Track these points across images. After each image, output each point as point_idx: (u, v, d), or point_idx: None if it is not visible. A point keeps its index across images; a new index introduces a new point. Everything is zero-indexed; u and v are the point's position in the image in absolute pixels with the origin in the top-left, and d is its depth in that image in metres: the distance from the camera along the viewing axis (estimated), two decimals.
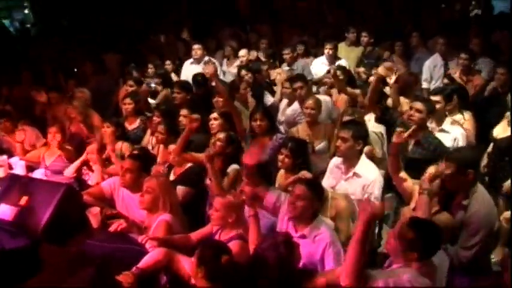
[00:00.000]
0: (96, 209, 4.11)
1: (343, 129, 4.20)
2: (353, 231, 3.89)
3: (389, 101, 5.50)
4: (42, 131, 6.18)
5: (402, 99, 5.64)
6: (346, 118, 4.95)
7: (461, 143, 4.80)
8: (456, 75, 6.34)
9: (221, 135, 4.65)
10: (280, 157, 4.26)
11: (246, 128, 5.24)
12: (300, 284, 3.07)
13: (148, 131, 5.64)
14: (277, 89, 6.73)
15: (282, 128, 5.91)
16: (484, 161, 4.89)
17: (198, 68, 7.33)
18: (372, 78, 6.05)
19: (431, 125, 4.77)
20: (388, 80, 5.23)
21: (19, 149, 5.48)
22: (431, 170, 3.65)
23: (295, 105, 5.85)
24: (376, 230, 4.30)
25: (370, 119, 5.19)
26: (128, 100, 5.98)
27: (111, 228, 3.89)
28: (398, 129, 3.86)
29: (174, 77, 7.67)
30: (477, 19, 9.79)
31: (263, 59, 8.18)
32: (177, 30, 9.61)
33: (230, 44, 8.58)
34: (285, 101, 6.29)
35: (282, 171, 4.40)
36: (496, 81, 5.95)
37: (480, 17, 9.98)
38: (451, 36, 7.63)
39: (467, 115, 5.24)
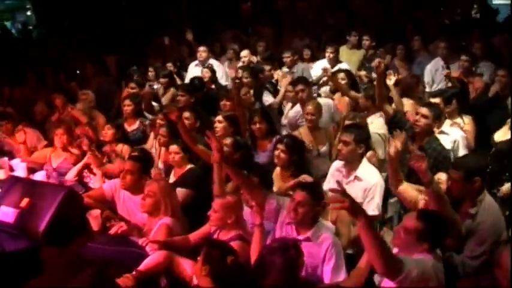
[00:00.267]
0: (96, 212, 4.10)
1: (345, 132, 4.19)
2: (354, 235, 3.93)
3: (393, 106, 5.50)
4: (42, 133, 6.22)
5: (405, 100, 5.70)
6: (347, 122, 4.94)
7: (461, 145, 4.81)
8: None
9: (228, 141, 4.62)
10: (276, 152, 4.30)
11: None
12: None
13: (152, 134, 5.64)
14: (281, 90, 6.72)
15: (285, 131, 5.88)
16: None
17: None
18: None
19: None
20: (387, 81, 5.24)
21: (23, 150, 5.48)
22: (440, 176, 3.64)
23: (297, 107, 5.86)
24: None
25: (372, 121, 5.19)
26: (127, 102, 6.00)
27: (112, 231, 3.89)
28: (395, 143, 3.74)
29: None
30: (478, 22, 9.78)
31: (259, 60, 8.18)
32: (180, 32, 9.60)
33: (232, 47, 8.60)
34: (289, 105, 6.29)
35: (277, 170, 4.41)
36: (496, 83, 5.96)
37: (481, 20, 9.96)
38: (453, 40, 7.65)
39: (467, 119, 5.23)
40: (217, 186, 4.19)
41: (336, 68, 7.28)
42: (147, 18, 11.42)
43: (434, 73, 7.09)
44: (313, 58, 8.09)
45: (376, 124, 5.12)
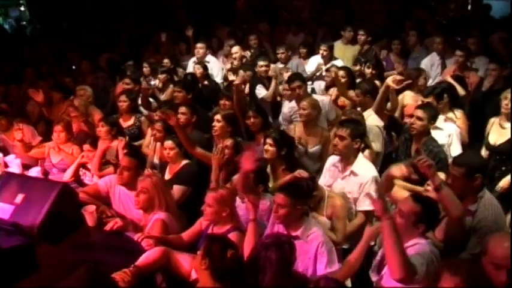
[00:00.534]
0: (91, 207, 4.09)
1: (341, 127, 4.19)
2: (350, 230, 3.94)
3: (388, 105, 5.51)
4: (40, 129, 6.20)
5: (407, 92, 5.76)
6: (343, 118, 4.94)
7: (455, 139, 4.84)
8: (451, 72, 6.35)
9: (228, 142, 4.63)
10: (265, 147, 4.34)
11: None
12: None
13: (149, 131, 5.62)
14: (272, 83, 6.69)
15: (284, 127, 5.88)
16: None
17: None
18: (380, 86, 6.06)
19: None
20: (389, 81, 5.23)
21: (20, 147, 5.45)
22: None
23: (292, 103, 5.86)
24: None
25: (370, 114, 5.20)
26: (123, 97, 5.98)
27: (107, 227, 3.88)
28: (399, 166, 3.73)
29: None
30: (473, 18, 9.80)
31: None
32: (177, 28, 9.57)
33: (229, 43, 8.58)
34: (287, 103, 6.27)
35: (269, 166, 4.42)
36: (488, 77, 6.02)
37: (476, 16, 9.99)
38: (448, 35, 7.66)
39: (459, 113, 5.29)
40: (214, 183, 4.21)
41: (329, 65, 7.29)
42: (144, 14, 11.38)
43: (430, 68, 7.09)
44: (309, 55, 8.08)
45: (373, 117, 5.13)
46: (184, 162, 4.74)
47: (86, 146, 5.09)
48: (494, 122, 4.94)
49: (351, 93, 6.00)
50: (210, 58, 7.90)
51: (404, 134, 4.69)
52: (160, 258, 3.38)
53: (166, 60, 7.73)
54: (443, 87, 5.39)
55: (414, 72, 6.27)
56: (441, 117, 4.98)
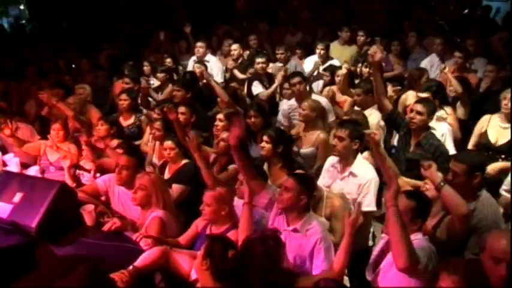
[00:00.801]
0: (90, 207, 4.08)
1: (340, 128, 4.20)
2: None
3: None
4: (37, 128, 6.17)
5: (410, 92, 5.79)
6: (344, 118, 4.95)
7: (448, 138, 4.88)
8: (449, 72, 6.37)
9: (224, 135, 4.66)
10: (261, 144, 4.36)
11: None
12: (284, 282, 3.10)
13: (148, 129, 5.62)
14: (274, 85, 6.70)
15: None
16: None
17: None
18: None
19: None
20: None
21: (14, 142, 5.40)
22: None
23: (292, 101, 5.87)
24: (371, 230, 4.29)
25: (371, 113, 5.21)
26: (123, 96, 5.98)
27: (105, 228, 3.87)
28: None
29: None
30: (472, 19, 9.82)
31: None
32: (177, 27, 9.57)
33: (228, 42, 8.59)
34: (285, 102, 6.27)
35: (266, 164, 4.44)
36: (486, 78, 6.06)
37: (475, 17, 10.00)
38: (447, 36, 7.68)
39: (449, 109, 5.36)
40: (206, 176, 4.21)
41: (326, 65, 7.30)
42: (144, 14, 11.37)
43: (429, 69, 7.10)
44: (307, 55, 8.09)
45: (375, 115, 5.13)
46: (184, 161, 4.74)
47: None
48: (490, 120, 4.93)
49: (351, 91, 6.03)
50: (209, 57, 7.91)
51: (403, 129, 4.69)
52: (159, 258, 3.38)
53: (168, 60, 7.71)
54: (433, 85, 5.48)
55: (417, 72, 6.31)
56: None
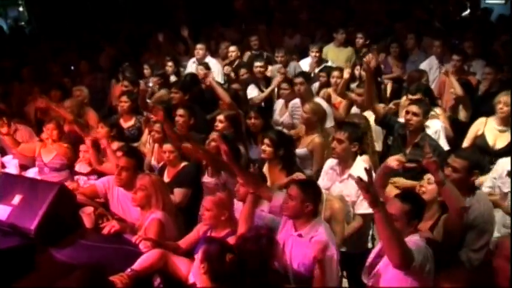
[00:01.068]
0: (89, 209, 4.08)
1: (339, 130, 4.21)
2: (348, 233, 3.94)
3: (381, 106, 5.51)
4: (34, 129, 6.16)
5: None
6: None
7: (441, 135, 4.94)
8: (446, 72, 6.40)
9: (214, 135, 4.66)
10: (262, 147, 4.34)
11: None
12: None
13: (146, 130, 5.62)
14: (269, 89, 6.70)
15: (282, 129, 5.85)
16: None
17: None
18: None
19: None
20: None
21: (9, 140, 5.37)
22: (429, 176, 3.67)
23: (296, 99, 5.89)
24: (371, 232, 4.29)
25: (371, 114, 5.22)
26: (124, 98, 5.98)
27: (104, 231, 3.86)
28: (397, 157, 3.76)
29: (174, 78, 7.61)
30: (471, 21, 9.84)
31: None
32: (175, 29, 9.58)
33: (225, 44, 8.60)
34: (280, 101, 6.28)
35: (265, 166, 4.43)
36: (484, 81, 6.10)
37: (474, 19, 10.02)
38: (446, 38, 7.69)
39: (438, 110, 5.40)
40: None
41: (322, 67, 7.32)
42: (143, 14, 11.37)
43: (428, 71, 7.10)
44: (301, 58, 8.11)
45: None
46: (183, 164, 4.74)
47: (83, 147, 5.08)
48: (487, 122, 4.94)
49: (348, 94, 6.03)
50: (209, 59, 7.90)
51: (398, 131, 4.69)
52: (158, 261, 3.38)
53: (170, 63, 7.69)
54: (422, 85, 5.54)
55: (416, 74, 6.33)
56: None
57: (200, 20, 10.22)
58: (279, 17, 10.33)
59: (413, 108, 4.54)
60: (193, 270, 3.23)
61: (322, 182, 4.30)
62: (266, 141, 4.33)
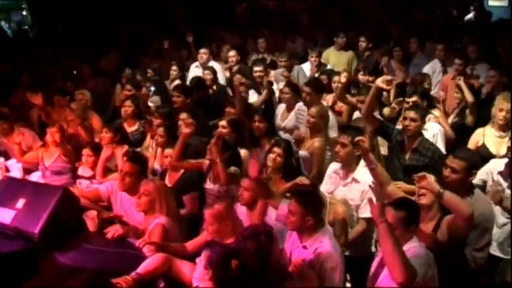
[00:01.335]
0: (93, 213, 4.08)
1: (342, 134, 4.20)
2: (352, 237, 3.94)
3: (386, 110, 5.50)
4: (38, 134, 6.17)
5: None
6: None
7: (440, 138, 4.98)
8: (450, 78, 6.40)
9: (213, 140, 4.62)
10: (272, 156, 4.26)
11: None
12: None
13: (149, 134, 5.63)
14: (264, 92, 6.68)
15: (281, 133, 5.84)
16: None
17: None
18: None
19: None
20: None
21: (16, 150, 5.43)
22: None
23: (301, 103, 5.89)
24: (374, 235, 4.28)
25: None
26: (128, 103, 5.99)
27: (108, 235, 3.86)
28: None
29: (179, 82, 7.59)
30: (474, 25, 9.85)
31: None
32: (179, 35, 9.60)
33: (225, 47, 8.61)
34: (282, 106, 6.27)
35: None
36: (487, 84, 6.10)
37: (477, 23, 10.03)
38: (448, 42, 7.70)
39: (436, 112, 5.41)
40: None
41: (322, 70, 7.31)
42: (145, 21, 11.40)
43: (431, 75, 7.10)
44: (301, 62, 8.11)
45: None
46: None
47: (86, 151, 5.07)
48: (485, 133, 4.94)
49: (349, 98, 6.01)
50: (212, 63, 7.91)
51: (396, 137, 4.69)
52: (162, 265, 3.38)
53: (174, 68, 7.69)
54: (422, 89, 5.58)
55: (418, 78, 6.34)
56: None
57: (200, 22, 10.22)
58: (279, 21, 10.33)
59: (411, 113, 4.54)
60: (194, 275, 3.21)
61: (325, 185, 4.30)
62: (278, 150, 4.26)
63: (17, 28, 13.82)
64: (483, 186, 4.22)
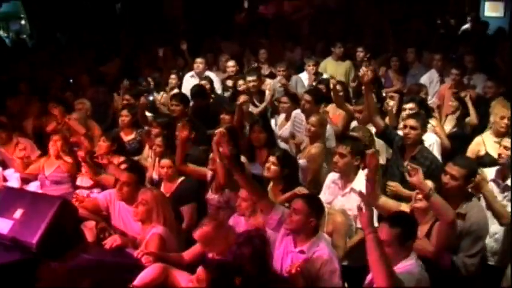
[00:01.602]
0: (91, 223, 4.08)
1: (341, 144, 4.21)
2: (350, 246, 3.93)
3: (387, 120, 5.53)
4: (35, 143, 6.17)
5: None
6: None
7: (436, 148, 4.98)
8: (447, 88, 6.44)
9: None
10: (267, 165, 4.26)
11: None
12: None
13: (147, 144, 5.62)
14: (263, 104, 6.70)
15: (280, 142, 5.84)
16: None
17: (198, 82, 7.36)
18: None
19: None
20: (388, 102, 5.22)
21: (19, 164, 5.43)
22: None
23: (298, 110, 5.90)
24: None
25: (373, 129, 5.21)
26: (125, 112, 6.00)
27: (106, 246, 3.86)
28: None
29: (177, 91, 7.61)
30: (470, 35, 9.91)
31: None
32: (175, 43, 9.63)
33: (224, 57, 8.64)
34: (282, 116, 6.28)
35: (270, 185, 4.38)
36: (485, 94, 6.18)
37: (473, 33, 10.09)
38: (447, 52, 7.75)
39: (434, 122, 5.43)
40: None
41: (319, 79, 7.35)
42: (145, 30, 11.44)
43: (428, 85, 7.14)
44: (299, 72, 8.14)
45: None
46: (181, 179, 4.71)
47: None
48: (484, 141, 4.98)
49: (348, 106, 6.04)
50: (208, 73, 7.91)
51: (397, 143, 4.71)
52: (159, 276, 3.38)
53: (173, 76, 7.71)
54: (420, 98, 5.63)
55: (415, 88, 6.38)
56: None
57: (200, 32, 10.25)
58: (277, 30, 10.37)
59: (411, 121, 4.54)
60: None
61: (323, 196, 4.29)
62: (272, 159, 4.23)
63: (16, 37, 13.83)
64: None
